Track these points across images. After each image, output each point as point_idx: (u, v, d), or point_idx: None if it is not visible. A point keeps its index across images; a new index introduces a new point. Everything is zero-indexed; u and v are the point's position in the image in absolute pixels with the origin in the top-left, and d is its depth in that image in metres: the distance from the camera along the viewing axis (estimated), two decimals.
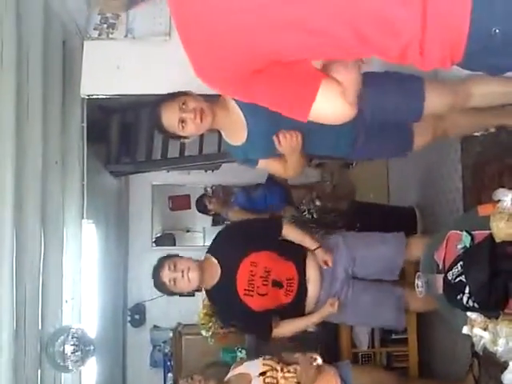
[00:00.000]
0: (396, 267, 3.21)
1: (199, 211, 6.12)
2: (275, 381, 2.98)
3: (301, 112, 1.51)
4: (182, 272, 2.95)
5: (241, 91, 1.55)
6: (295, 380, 2.99)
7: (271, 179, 5.58)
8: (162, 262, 3.05)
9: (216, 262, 3.06)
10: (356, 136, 2.68)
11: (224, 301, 3.12)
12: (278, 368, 3.02)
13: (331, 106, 1.51)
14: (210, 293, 3.18)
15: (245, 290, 2.99)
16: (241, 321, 3.17)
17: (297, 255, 3.12)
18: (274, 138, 2.53)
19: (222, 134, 2.73)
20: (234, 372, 3.19)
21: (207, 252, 3.16)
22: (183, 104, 2.48)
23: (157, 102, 2.59)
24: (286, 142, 2.52)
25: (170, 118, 2.50)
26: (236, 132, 2.60)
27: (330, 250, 3.14)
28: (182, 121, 2.47)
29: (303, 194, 5.73)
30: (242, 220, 3.31)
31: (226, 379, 3.17)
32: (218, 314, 3.32)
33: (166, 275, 2.96)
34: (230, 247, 3.09)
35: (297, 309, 3.12)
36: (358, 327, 4.17)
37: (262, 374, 3.01)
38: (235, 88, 1.53)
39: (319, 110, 1.49)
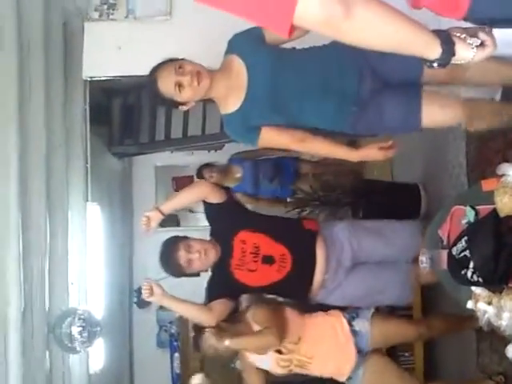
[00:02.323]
0: (410, 256, 3.09)
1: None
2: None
3: (282, 19, 1.26)
4: (199, 253, 2.95)
5: None
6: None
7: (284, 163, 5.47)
8: (175, 243, 3.02)
9: (216, 242, 3.07)
10: (356, 101, 2.47)
11: (217, 275, 3.12)
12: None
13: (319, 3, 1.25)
14: (212, 269, 3.17)
15: (236, 264, 3.00)
16: (220, 289, 3.10)
17: (291, 238, 3.07)
18: None
19: (219, 105, 2.59)
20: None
21: (210, 235, 3.16)
22: (179, 67, 2.41)
23: (152, 68, 2.52)
24: None
25: (165, 81, 2.43)
26: (234, 94, 2.48)
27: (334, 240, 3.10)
28: (179, 84, 2.40)
29: (309, 171, 5.67)
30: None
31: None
32: (208, 287, 3.26)
33: (183, 256, 2.95)
34: (220, 228, 3.09)
35: (293, 287, 3.08)
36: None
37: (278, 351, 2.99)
38: None
39: (305, 10, 1.24)
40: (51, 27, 3.51)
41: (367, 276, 3.15)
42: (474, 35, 1.46)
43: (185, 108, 2.57)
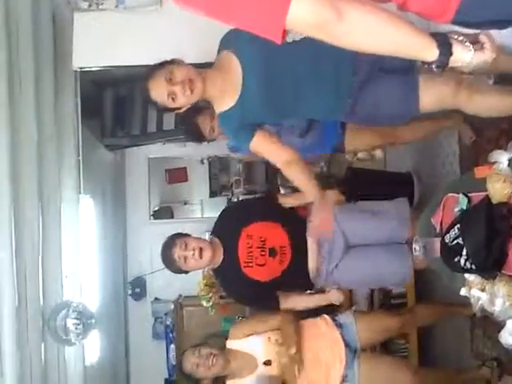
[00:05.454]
0: (403, 235, 3.16)
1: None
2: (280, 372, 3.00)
3: (274, 24, 1.26)
4: (194, 251, 2.98)
5: None
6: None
7: None
8: (173, 239, 3.05)
9: (219, 241, 3.10)
10: (351, 93, 2.47)
11: (229, 278, 3.17)
12: (284, 354, 2.98)
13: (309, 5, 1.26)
14: (216, 272, 3.23)
15: (245, 262, 3.04)
16: (246, 294, 3.17)
17: (289, 220, 3.13)
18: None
19: (214, 104, 2.57)
20: (235, 341, 3.15)
21: (211, 234, 3.21)
22: (170, 76, 2.38)
23: (144, 76, 2.49)
24: None
25: (158, 92, 2.42)
26: (230, 90, 2.45)
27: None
28: (172, 94, 2.39)
29: None
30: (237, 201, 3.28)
31: (231, 353, 3.13)
32: (226, 292, 3.29)
33: (177, 253, 2.98)
34: (226, 226, 3.15)
35: (296, 276, 3.12)
36: (357, 292, 4.21)
37: (267, 362, 3.03)
38: None
39: (296, 14, 1.25)
40: (40, 18, 3.49)
41: (364, 258, 3.19)
42: (475, 39, 1.47)
43: (180, 112, 2.55)
